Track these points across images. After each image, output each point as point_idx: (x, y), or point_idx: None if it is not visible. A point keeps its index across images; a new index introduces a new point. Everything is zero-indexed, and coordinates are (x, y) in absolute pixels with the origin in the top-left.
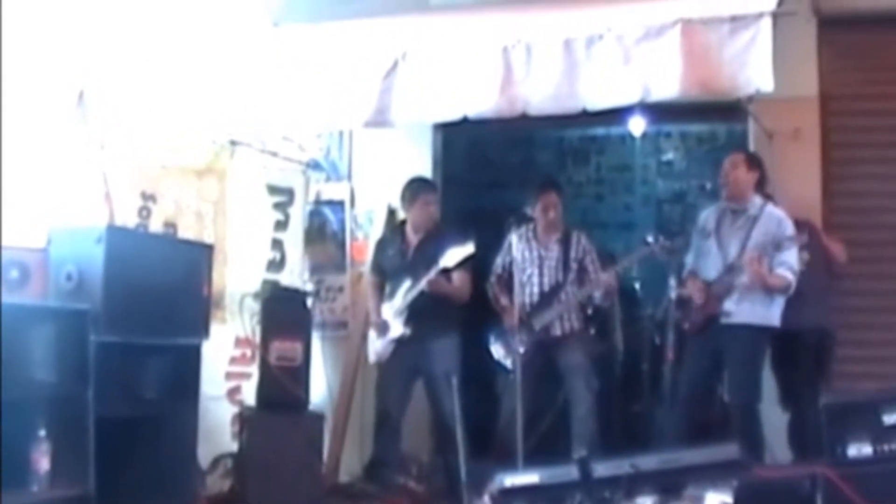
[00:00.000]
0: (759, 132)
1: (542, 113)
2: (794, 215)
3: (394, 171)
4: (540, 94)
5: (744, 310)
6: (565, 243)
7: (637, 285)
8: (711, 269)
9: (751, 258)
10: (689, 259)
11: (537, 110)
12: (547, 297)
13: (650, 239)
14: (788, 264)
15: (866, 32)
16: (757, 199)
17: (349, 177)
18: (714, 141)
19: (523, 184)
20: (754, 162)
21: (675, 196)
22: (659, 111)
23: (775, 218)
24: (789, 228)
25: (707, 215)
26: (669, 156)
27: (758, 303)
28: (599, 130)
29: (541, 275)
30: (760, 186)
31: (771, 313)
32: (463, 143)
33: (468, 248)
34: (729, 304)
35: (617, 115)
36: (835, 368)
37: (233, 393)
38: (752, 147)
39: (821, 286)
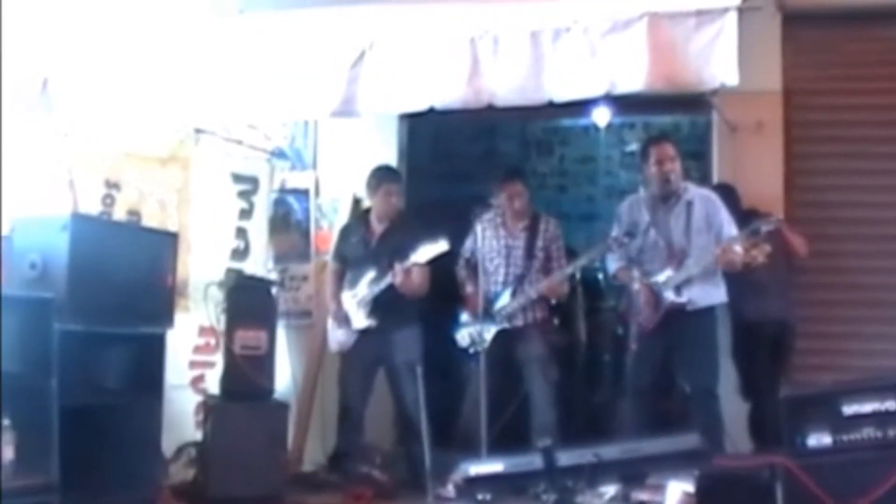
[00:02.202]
0: (722, 125)
1: (509, 104)
2: (757, 208)
3: (359, 160)
4: (506, 85)
5: (700, 294)
6: (532, 230)
7: (601, 276)
8: (656, 261)
9: (726, 247)
10: (616, 256)
11: (504, 102)
12: (511, 287)
13: (614, 234)
14: (733, 237)
15: (830, 28)
16: (684, 183)
17: (314, 166)
18: (678, 133)
19: (488, 174)
20: (677, 146)
21: (638, 188)
22: (623, 103)
23: (706, 197)
24: (718, 202)
25: (634, 208)
26: (633, 147)
27: (707, 284)
28: (564, 122)
29: (507, 265)
30: None
31: (720, 291)
32: (428, 133)
33: (441, 246)
34: (688, 292)
35: (581, 106)
36: (795, 360)
37: (196, 382)
38: (715, 140)
39: (782, 279)
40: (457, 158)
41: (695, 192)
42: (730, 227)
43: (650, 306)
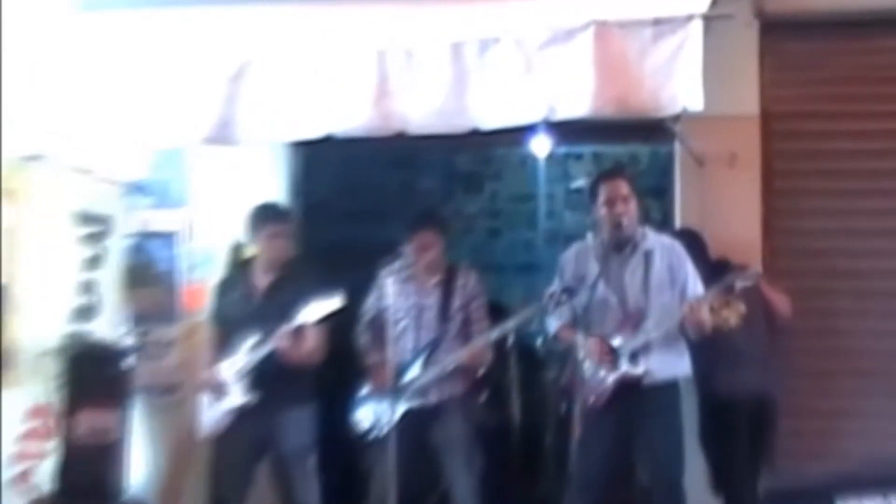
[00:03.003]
0: (686, 157)
1: (425, 131)
2: (728, 258)
3: (241, 196)
4: (422, 108)
5: (659, 365)
6: (447, 286)
7: (539, 341)
8: (606, 323)
9: (694, 307)
10: (560, 314)
11: (419, 128)
12: (423, 355)
13: (551, 290)
14: (701, 294)
15: (818, 39)
16: (642, 229)
17: (184, 203)
18: (634, 166)
19: (402, 214)
20: (632, 183)
21: (586, 231)
22: (567, 130)
23: (668, 247)
24: (683, 253)
25: (581, 258)
26: (580, 183)
27: (668, 353)
28: (496, 152)
29: (417, 328)
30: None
31: (683, 362)
32: (329, 163)
33: (334, 302)
34: (645, 363)
35: (516, 134)
36: (778, 444)
37: (23, 478)
38: (678, 174)
39: (759, 345)
40: (364, 195)
41: (655, 240)
42: (696, 284)
43: (605, 364)
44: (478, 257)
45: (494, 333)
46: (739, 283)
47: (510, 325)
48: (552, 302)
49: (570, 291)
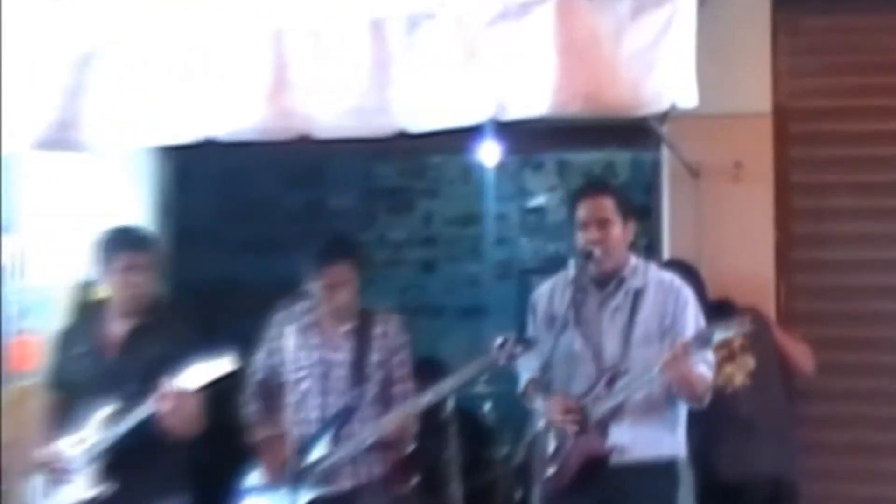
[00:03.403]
0: (677, 167)
1: (337, 135)
2: (731, 299)
3: (90, 219)
4: (332, 105)
5: (640, 439)
6: (363, 336)
7: (486, 408)
8: (579, 378)
9: (675, 356)
10: (530, 365)
11: (328, 131)
12: (332, 429)
13: (499, 341)
14: (705, 357)
15: (848, 13)
16: (633, 260)
17: (12, 229)
18: (611, 177)
19: (305, 242)
20: (623, 201)
21: (549, 263)
22: (523, 134)
23: (667, 286)
24: (686, 294)
25: (551, 295)
26: (540, 200)
27: (658, 425)
28: (429, 162)
29: (323, 391)
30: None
31: (676, 439)
32: (209, 176)
33: (223, 364)
34: (619, 434)
35: (456, 138)
36: None
37: None
38: (666, 190)
39: (774, 412)
40: (255, 217)
41: (651, 276)
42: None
43: (569, 432)
44: (406, 298)
45: (426, 398)
46: (720, 335)
47: (447, 386)
48: (503, 354)
49: (526, 342)
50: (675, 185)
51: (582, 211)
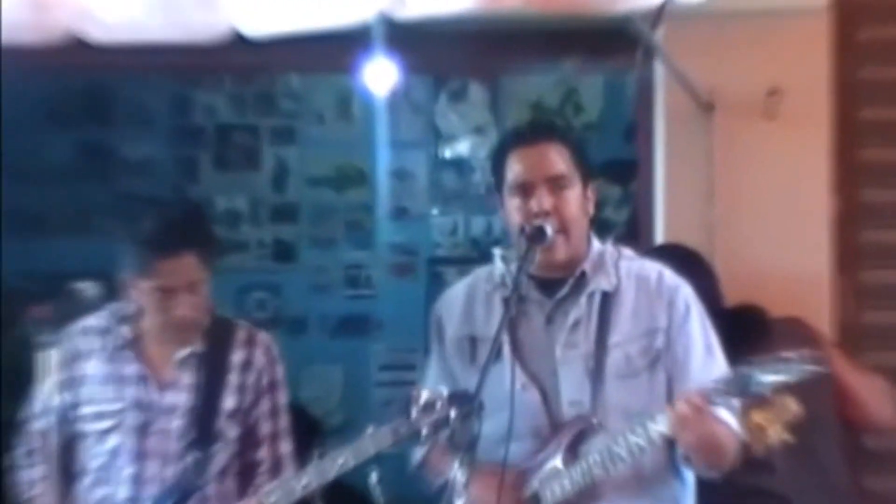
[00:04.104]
0: (678, 95)
1: (130, 39)
2: (761, 307)
3: None
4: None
5: None
6: (210, 368)
7: (373, 478)
8: (521, 438)
9: (691, 410)
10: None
11: (115, 32)
12: None
13: (423, 396)
14: (728, 401)
15: None
16: (597, 246)
17: None
18: (571, 113)
19: (102, 216)
20: (580, 153)
21: (475, 249)
22: (435, 42)
23: (654, 285)
24: (690, 300)
25: (468, 305)
26: (461, 149)
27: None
28: (285, 86)
29: (142, 454)
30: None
31: None
32: None
33: None
34: None
35: (327, 49)
36: None
37: None
38: (658, 134)
39: (828, 487)
40: (17, 175)
41: (624, 269)
42: (710, 361)
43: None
44: (248, 303)
45: (311, 477)
46: (766, 380)
47: (339, 464)
48: (427, 420)
49: (467, 400)
50: (675, 125)
51: (518, 167)
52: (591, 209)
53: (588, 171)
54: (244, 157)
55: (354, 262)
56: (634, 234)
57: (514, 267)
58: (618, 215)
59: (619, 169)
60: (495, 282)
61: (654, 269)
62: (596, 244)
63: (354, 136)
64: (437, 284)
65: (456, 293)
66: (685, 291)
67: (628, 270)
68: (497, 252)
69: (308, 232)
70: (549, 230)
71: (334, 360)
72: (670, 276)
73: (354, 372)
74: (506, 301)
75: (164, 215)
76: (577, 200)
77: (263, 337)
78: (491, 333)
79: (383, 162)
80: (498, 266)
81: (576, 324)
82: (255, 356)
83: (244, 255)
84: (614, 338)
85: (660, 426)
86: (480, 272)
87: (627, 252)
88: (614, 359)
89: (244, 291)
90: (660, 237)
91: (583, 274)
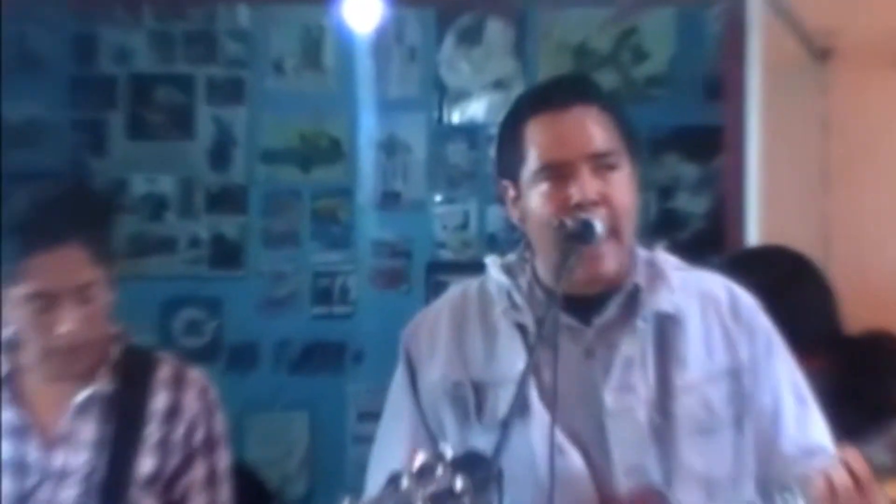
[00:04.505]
0: (779, 39)
1: None
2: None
3: None
4: None
5: None
6: (122, 416)
7: None
8: None
9: (853, 472)
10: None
11: None
12: None
13: (420, 459)
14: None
15: None
16: (642, 252)
17: None
18: (628, 62)
19: None
20: (626, 122)
21: (491, 249)
22: None
23: (728, 304)
24: (772, 335)
25: (456, 338)
26: (476, 111)
27: None
28: (228, 22)
29: None
30: None
31: None
32: None
33: None
34: None
35: None
36: None
37: None
38: (755, 88)
39: None
40: None
41: (691, 287)
42: (805, 413)
43: None
44: (173, 324)
45: None
46: None
47: None
48: (418, 489)
49: (469, 463)
50: (776, 79)
51: (547, 139)
52: (637, 197)
53: (636, 144)
54: (171, 120)
55: (325, 269)
56: (717, 231)
57: (523, 281)
58: (693, 204)
59: (695, 139)
60: (503, 303)
61: (719, 283)
62: (640, 252)
63: (326, 93)
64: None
65: (433, 319)
66: (763, 315)
67: (685, 284)
68: (494, 261)
69: (261, 226)
70: (598, 226)
71: (296, 404)
72: (745, 294)
73: (324, 422)
74: (521, 327)
75: (38, 194)
76: (628, 186)
77: (196, 374)
78: (504, 375)
79: (366, 129)
80: (498, 280)
81: (629, 359)
82: (185, 401)
83: (171, 258)
84: (685, 377)
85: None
86: (466, 289)
87: (673, 260)
88: (687, 406)
89: (171, 308)
90: (753, 236)
91: (635, 289)
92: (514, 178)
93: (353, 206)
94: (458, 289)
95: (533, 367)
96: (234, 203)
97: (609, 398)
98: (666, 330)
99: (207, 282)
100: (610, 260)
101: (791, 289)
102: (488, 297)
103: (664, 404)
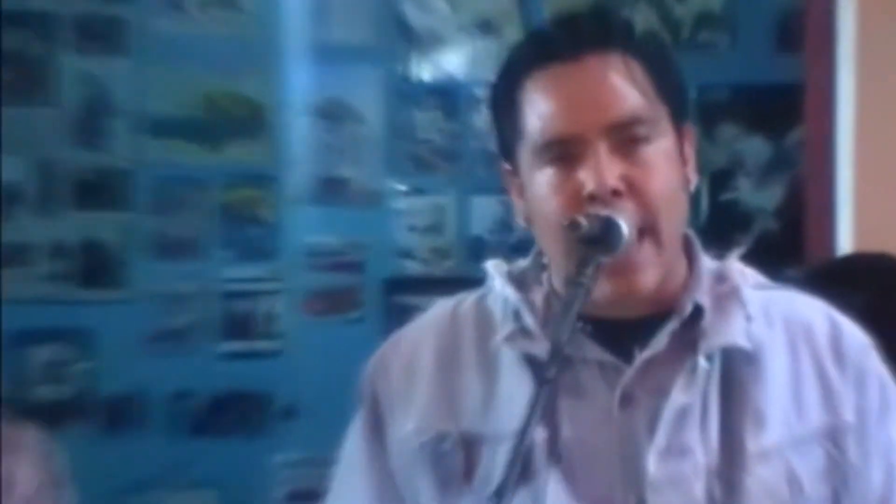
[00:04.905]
0: None
1: None
2: None
3: None
4: None
5: None
6: None
7: None
8: None
9: None
10: None
11: None
12: None
13: None
14: None
15: None
16: (707, 261)
17: None
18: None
19: None
20: (665, 73)
21: (490, 253)
22: None
23: (827, 339)
24: (888, 378)
25: (441, 373)
26: (452, 61)
27: None
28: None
29: None
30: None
31: None
32: None
33: None
34: None
35: None
36: None
37: None
38: (847, 36)
39: None
40: None
41: (775, 309)
42: None
43: None
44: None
45: None
46: None
47: None
48: None
49: None
50: (879, 19)
51: (550, 106)
52: (693, 179)
53: (684, 103)
54: (20, 77)
55: (240, 288)
56: (793, 234)
57: (538, 297)
58: (760, 196)
59: (763, 103)
60: (508, 327)
61: (818, 310)
62: (704, 256)
63: (242, 39)
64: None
65: (410, 348)
66: (876, 357)
67: (768, 310)
68: (499, 268)
69: (150, 227)
70: (624, 226)
71: (201, 480)
72: (852, 328)
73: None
74: (531, 360)
75: None
76: (669, 167)
77: (34, 436)
78: (506, 427)
79: (298, 89)
80: (503, 293)
81: (684, 410)
82: (20, 473)
83: (22, 273)
84: (762, 439)
85: None
86: (458, 307)
87: (752, 274)
88: (764, 479)
89: (21, 344)
90: (846, 241)
91: (697, 312)
92: (513, 160)
93: (280, 200)
94: (447, 306)
95: (545, 416)
96: (111, 195)
97: (653, 463)
98: (738, 372)
99: (75, 306)
100: (646, 272)
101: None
102: (489, 317)
103: (731, 475)
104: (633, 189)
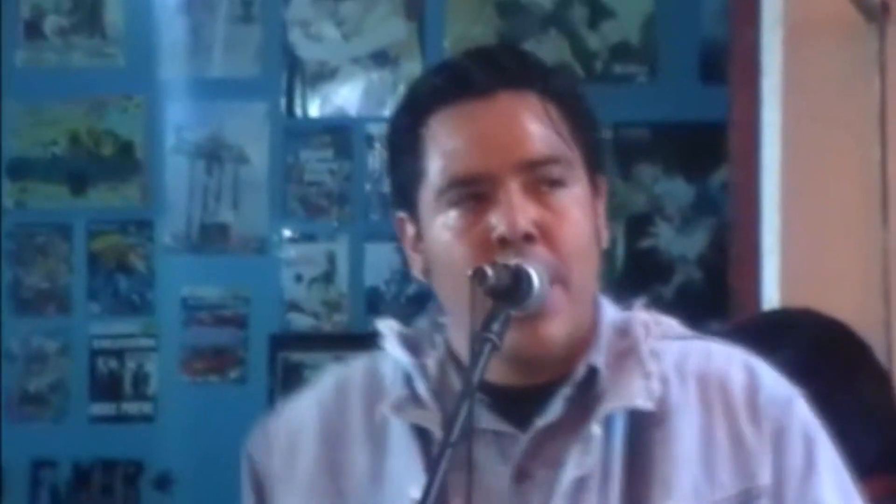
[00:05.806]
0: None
1: None
2: None
3: None
4: None
5: None
6: None
7: None
8: None
9: None
10: None
11: None
12: None
13: None
14: None
15: None
16: (610, 312)
17: None
18: (587, 22)
19: None
20: (580, 113)
21: (384, 311)
22: None
23: (742, 393)
24: (817, 433)
25: (327, 450)
26: (344, 95)
27: None
28: None
29: None
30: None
31: None
32: None
33: None
34: None
35: None
36: None
37: None
38: (776, 58)
39: None
40: None
41: (667, 357)
42: None
43: None
44: None
45: None
46: None
47: None
48: None
49: None
50: (808, 50)
51: (457, 143)
52: (605, 229)
53: (599, 147)
54: None
55: (109, 346)
56: (716, 285)
57: (432, 361)
58: (681, 243)
59: (685, 142)
60: (397, 393)
61: (736, 360)
62: (608, 307)
63: (111, 70)
64: (287, 394)
65: (294, 422)
66: (802, 410)
67: (680, 364)
68: (391, 329)
69: (6, 278)
70: (535, 276)
71: None
72: (773, 377)
73: None
74: (422, 431)
75: None
76: (583, 211)
77: None
78: None
79: (174, 125)
80: (395, 357)
81: (581, 482)
82: None
83: None
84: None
85: None
86: (347, 377)
87: (670, 325)
88: None
89: None
90: (773, 294)
91: (591, 374)
92: (411, 205)
93: (154, 248)
94: (335, 372)
95: (437, 495)
96: None
97: None
98: (644, 436)
99: None
100: (555, 322)
101: (840, 382)
102: (380, 383)
103: None
104: (545, 235)
